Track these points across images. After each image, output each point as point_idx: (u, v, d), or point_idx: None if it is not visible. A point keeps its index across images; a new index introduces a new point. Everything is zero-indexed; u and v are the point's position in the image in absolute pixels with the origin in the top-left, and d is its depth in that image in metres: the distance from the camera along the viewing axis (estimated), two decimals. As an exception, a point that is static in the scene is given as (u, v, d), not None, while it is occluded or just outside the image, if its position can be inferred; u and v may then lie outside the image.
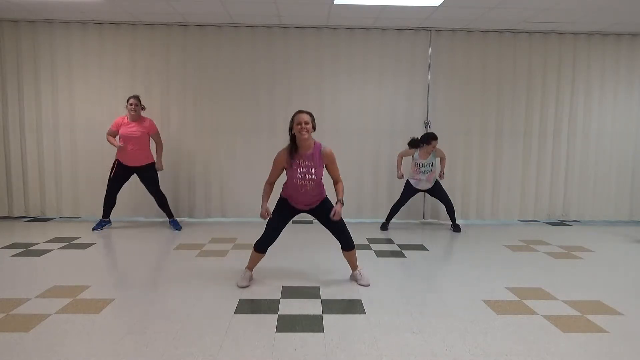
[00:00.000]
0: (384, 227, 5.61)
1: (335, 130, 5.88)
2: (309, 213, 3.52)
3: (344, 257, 3.62)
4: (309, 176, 3.28)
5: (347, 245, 3.50)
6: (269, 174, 3.43)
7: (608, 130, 6.10)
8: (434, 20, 5.47)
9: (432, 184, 5.44)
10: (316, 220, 3.62)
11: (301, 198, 3.39)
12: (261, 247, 3.47)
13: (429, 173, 5.36)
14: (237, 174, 5.95)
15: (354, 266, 3.61)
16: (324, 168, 3.36)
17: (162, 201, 5.33)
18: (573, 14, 5.14)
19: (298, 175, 3.27)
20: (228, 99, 5.85)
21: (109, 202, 5.28)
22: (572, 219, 6.22)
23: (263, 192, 3.41)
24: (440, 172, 5.48)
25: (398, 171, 5.45)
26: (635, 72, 6.05)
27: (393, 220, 5.66)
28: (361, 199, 6.03)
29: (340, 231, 3.48)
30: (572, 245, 4.90)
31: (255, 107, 5.86)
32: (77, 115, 5.79)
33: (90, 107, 5.78)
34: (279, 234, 3.48)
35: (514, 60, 5.94)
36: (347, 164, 5.69)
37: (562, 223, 6.15)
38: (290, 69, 5.82)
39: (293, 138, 3.29)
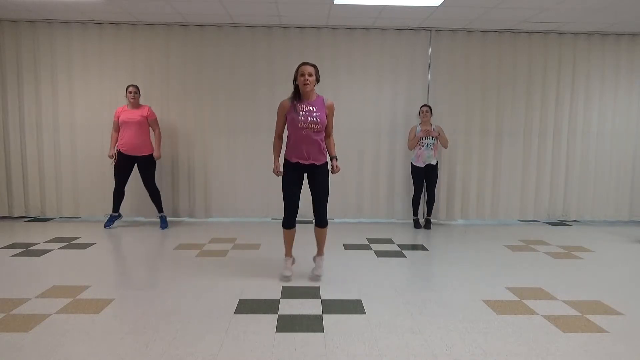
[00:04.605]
0: (417, 224, 5.66)
1: (335, 130, 5.71)
2: (308, 174, 3.50)
3: (315, 237, 3.65)
4: (311, 119, 3.33)
5: (321, 221, 3.55)
6: (275, 127, 3.52)
7: (608, 130, 6.10)
8: (434, 20, 5.47)
9: (435, 162, 5.49)
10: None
11: (303, 145, 3.38)
12: (287, 222, 3.53)
13: (431, 147, 5.44)
14: (237, 173, 5.95)
15: (320, 249, 3.67)
16: (325, 117, 3.41)
17: (155, 195, 5.39)
18: (573, 14, 5.14)
19: (300, 117, 3.31)
20: (228, 99, 5.84)
21: (117, 195, 5.35)
22: (572, 219, 6.22)
23: (273, 148, 3.56)
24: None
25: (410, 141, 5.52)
26: (635, 72, 6.05)
27: (393, 220, 5.66)
28: (361, 199, 6.02)
29: (321, 201, 3.50)
30: (572, 245, 4.90)
31: (255, 107, 5.86)
32: (77, 115, 5.79)
33: (90, 107, 5.78)
34: (297, 202, 3.54)
35: (514, 60, 5.94)
36: (346, 164, 5.69)
37: (562, 223, 6.15)
38: (290, 69, 5.73)
39: (296, 88, 3.38)
